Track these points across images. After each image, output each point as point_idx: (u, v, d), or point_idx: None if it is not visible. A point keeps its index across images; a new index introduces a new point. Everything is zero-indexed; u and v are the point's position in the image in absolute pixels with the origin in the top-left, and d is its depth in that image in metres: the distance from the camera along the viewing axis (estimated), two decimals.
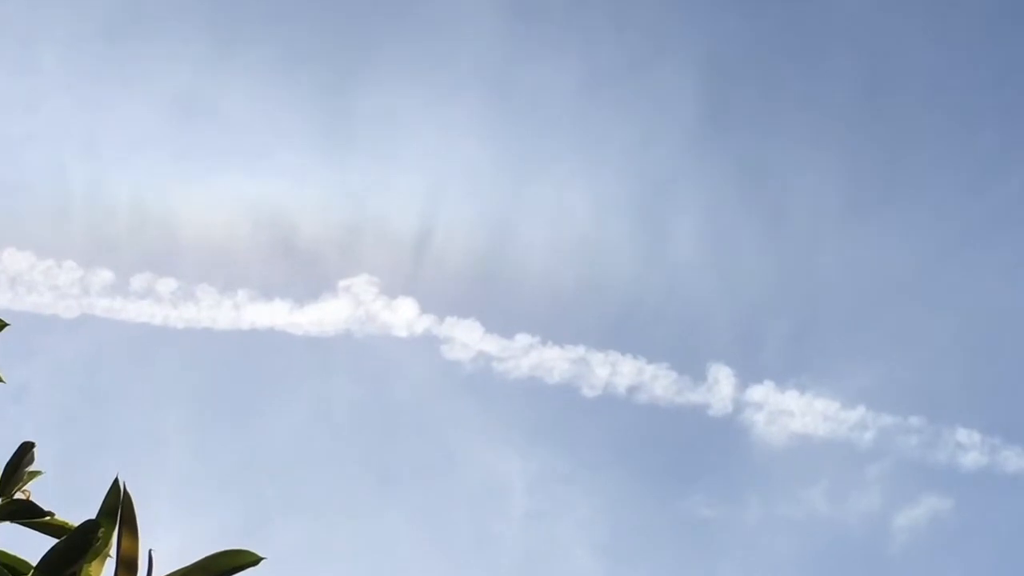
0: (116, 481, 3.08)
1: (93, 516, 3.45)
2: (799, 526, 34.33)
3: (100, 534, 2.97)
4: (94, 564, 3.04)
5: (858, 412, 34.83)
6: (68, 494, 3.70)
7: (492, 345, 34.54)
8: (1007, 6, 37.34)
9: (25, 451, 3.86)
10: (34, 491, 3.88)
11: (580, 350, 35.08)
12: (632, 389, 34.74)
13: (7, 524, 3.61)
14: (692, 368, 35.13)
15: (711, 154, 39.31)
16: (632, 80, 38.43)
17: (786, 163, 38.55)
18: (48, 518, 3.79)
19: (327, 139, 37.78)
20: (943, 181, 39.17)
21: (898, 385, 38.16)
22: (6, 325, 3.19)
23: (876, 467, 34.93)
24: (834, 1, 37.52)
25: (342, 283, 34.27)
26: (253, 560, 3.20)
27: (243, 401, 36.62)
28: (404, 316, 34.19)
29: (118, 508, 3.06)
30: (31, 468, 3.87)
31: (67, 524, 3.76)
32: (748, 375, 35.90)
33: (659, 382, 35.08)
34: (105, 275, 32.89)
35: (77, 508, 3.70)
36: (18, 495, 3.84)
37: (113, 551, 3.03)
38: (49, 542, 3.54)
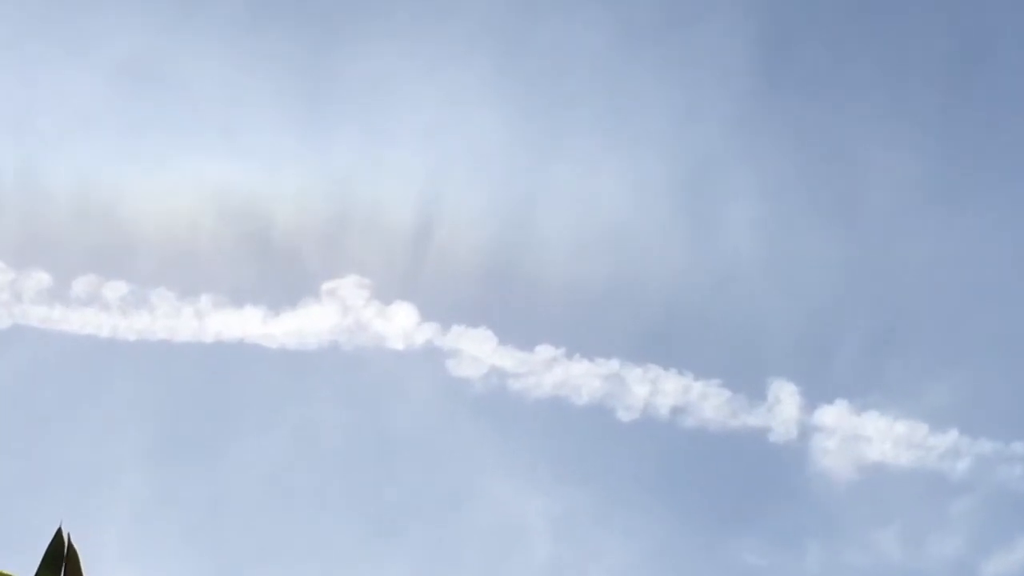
0: (59, 530, 3.52)
1: (29, 562, 3.86)
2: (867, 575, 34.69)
3: None
4: None
5: (949, 437, 35.16)
6: (2, 535, 4.17)
7: (507, 359, 35.11)
8: None
9: None
10: None
11: (613, 364, 35.63)
12: (676, 410, 35.26)
13: None
14: (749, 385, 35.60)
15: (768, 126, 39.55)
16: (673, 36, 38.76)
17: (860, 138, 38.78)
18: None
19: (306, 111, 38.21)
20: None
21: (997, 404, 38.42)
22: None
23: (968, 502, 35.28)
24: None
25: (326, 286, 34.83)
26: None
27: (208, 427, 37.09)
28: (401, 324, 34.76)
29: (62, 560, 3.51)
30: None
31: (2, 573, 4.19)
32: (816, 393, 36.31)
33: (709, 402, 35.62)
34: (41, 277, 33.46)
35: (9, 550, 4.13)
36: None
37: None
38: None
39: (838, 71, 39.58)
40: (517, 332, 35.79)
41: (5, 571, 4.05)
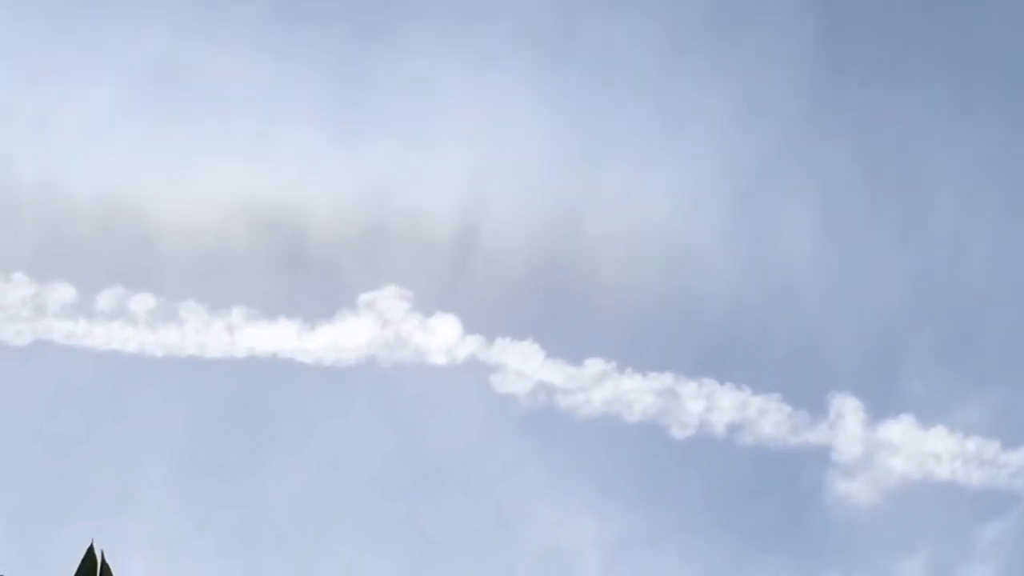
0: (91, 548, 3.65)
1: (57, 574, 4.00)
2: None
3: None
4: None
5: (1021, 454, 35.16)
6: (25, 554, 4.29)
7: (555, 373, 35.21)
8: None
9: None
10: None
11: (667, 379, 35.75)
12: (733, 427, 35.36)
13: None
14: (810, 400, 35.54)
15: (828, 127, 39.59)
16: (725, 33, 38.85)
17: (925, 138, 38.83)
18: None
19: (341, 114, 38.40)
20: None
21: None
22: None
23: None
24: None
25: (364, 297, 35.02)
26: None
27: (241, 446, 37.31)
28: (443, 338, 34.91)
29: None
30: None
31: None
32: (881, 408, 36.26)
33: (768, 418, 35.67)
34: (64, 291, 33.71)
35: (37, 571, 4.29)
36: None
37: None
38: None
39: (901, 67, 39.64)
40: (565, 345, 35.94)
41: None
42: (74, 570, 3.39)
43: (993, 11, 39.14)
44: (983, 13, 39.15)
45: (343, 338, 35.01)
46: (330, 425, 37.63)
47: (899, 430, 35.58)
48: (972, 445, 35.52)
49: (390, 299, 34.82)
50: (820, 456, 35.50)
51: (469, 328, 35.18)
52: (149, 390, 36.50)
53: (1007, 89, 39.14)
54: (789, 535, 37.51)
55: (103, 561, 3.29)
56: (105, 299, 34.19)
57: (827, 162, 40.06)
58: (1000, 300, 39.92)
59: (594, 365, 35.59)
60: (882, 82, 39.77)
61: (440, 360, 35.04)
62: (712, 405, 35.57)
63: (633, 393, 35.49)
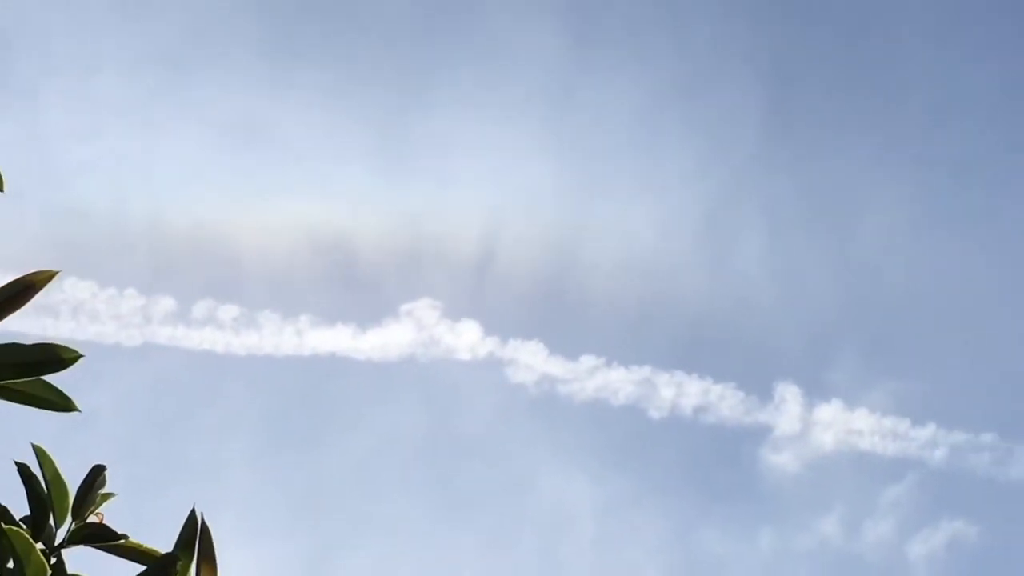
0: (193, 513, 3.04)
1: (162, 538, 3.48)
2: (851, 546, 34.07)
3: (179, 567, 2.94)
4: None
5: (928, 430, 34.51)
6: (138, 518, 3.71)
7: (557, 367, 34.58)
8: None
9: (97, 474, 3.88)
10: (106, 514, 3.91)
11: (645, 371, 35.08)
12: (698, 410, 34.69)
13: (81, 548, 3.64)
14: (759, 388, 34.99)
15: (774, 171, 39.24)
16: (693, 99, 38.50)
17: (853, 180, 38.43)
18: (122, 541, 3.81)
19: (386, 162, 38.01)
20: (1012, 199, 38.97)
21: (969, 402, 37.80)
22: (80, 356, 3.19)
23: (947, 484, 34.65)
24: (900, 19, 37.37)
25: (404, 307, 34.47)
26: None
27: (308, 427, 36.80)
28: (467, 339, 34.31)
29: (195, 540, 3.03)
30: (103, 491, 3.88)
31: (141, 546, 3.77)
32: (816, 394, 35.68)
33: (726, 402, 35.01)
34: (167, 303, 33.25)
35: (146, 531, 3.72)
36: (91, 518, 3.86)
37: None
38: (122, 565, 3.56)
39: (834, 124, 39.29)
40: (564, 344, 35.45)
41: (151, 547, 3.58)
42: (180, 529, 3.01)
43: (899, 82, 38.79)
44: (893, 84, 38.79)
45: (388, 340, 34.57)
46: (378, 409, 37.19)
47: (830, 411, 35.03)
48: (887, 423, 34.93)
49: (425, 308, 34.34)
50: (766, 433, 35.02)
51: (488, 331, 34.71)
52: (234, 382, 36.12)
53: (920, 137, 38.79)
54: (739, 496, 37.03)
55: (203, 522, 2.92)
56: (199, 309, 33.74)
57: (774, 197, 39.72)
58: (911, 307, 39.46)
59: (587, 360, 35.05)
60: (819, 134, 39.47)
61: (465, 357, 34.56)
62: (681, 392, 35.00)
63: (618, 382, 34.91)
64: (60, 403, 3.47)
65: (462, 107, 38.67)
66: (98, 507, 3.87)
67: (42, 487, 3.79)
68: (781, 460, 36.26)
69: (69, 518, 3.84)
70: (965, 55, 38.94)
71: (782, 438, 35.94)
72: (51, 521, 3.79)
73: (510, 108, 38.72)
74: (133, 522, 3.84)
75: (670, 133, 39.21)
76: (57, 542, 3.82)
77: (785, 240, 40.13)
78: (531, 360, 35.38)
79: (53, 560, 3.58)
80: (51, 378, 3.44)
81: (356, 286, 37.88)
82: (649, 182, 39.93)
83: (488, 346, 35.41)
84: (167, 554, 3.19)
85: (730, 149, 39.51)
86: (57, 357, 3.39)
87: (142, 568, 3.24)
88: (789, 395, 36.10)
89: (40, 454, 3.82)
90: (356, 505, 36.54)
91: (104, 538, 3.81)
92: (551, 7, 38.55)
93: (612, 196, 39.66)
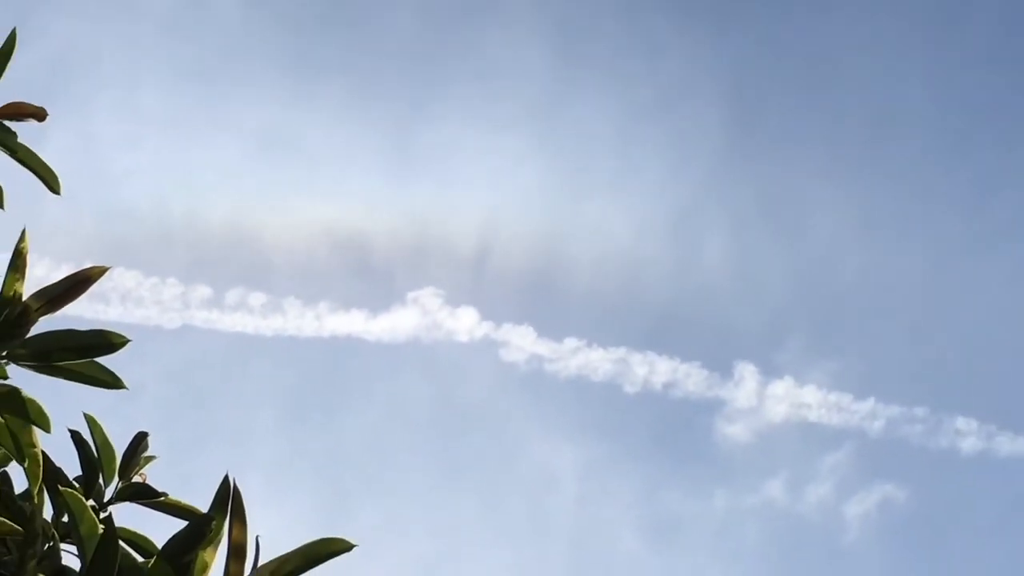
0: (227, 477, 3.09)
1: (198, 497, 3.51)
2: (802, 503, 34.20)
3: (213, 525, 2.98)
4: (208, 551, 3.07)
5: (868, 404, 34.61)
6: (177, 478, 3.74)
7: (544, 348, 34.59)
8: (997, 51, 37.37)
9: (140, 440, 3.90)
10: (148, 475, 3.92)
11: (621, 351, 35.10)
12: (667, 385, 34.72)
13: (127, 504, 3.67)
14: (721, 366, 35.06)
15: (736, 179, 39.41)
16: (664, 115, 38.65)
17: (804, 187, 38.63)
18: (162, 498, 3.83)
19: (395, 167, 38.04)
20: (942, 202, 39.16)
21: (904, 379, 37.93)
22: (128, 341, 3.21)
23: (882, 452, 34.80)
24: (842, 48, 37.60)
25: (410, 295, 34.44)
26: (346, 547, 3.20)
27: (326, 400, 36.87)
28: (465, 323, 34.31)
29: (228, 500, 3.07)
30: (146, 455, 3.91)
31: (179, 503, 3.80)
32: (771, 372, 35.76)
33: (691, 379, 35.02)
34: (203, 290, 33.21)
35: (184, 490, 3.75)
36: (135, 478, 3.88)
37: (224, 539, 3.03)
38: (163, 519, 3.59)
39: (787, 138, 39.44)
40: (551, 328, 35.47)
41: (188, 504, 3.60)
42: (214, 489, 3.02)
43: (850, 96, 38.96)
44: (842, 98, 38.98)
45: (396, 324, 34.58)
46: (387, 384, 37.23)
47: (782, 387, 35.07)
48: (832, 397, 34.94)
49: (429, 296, 34.34)
50: (726, 406, 35.06)
51: (484, 316, 34.71)
52: (262, 360, 36.14)
53: (860, 150, 38.95)
54: (700, 461, 37.11)
55: (234, 485, 2.92)
56: (231, 296, 33.73)
57: (734, 201, 39.84)
58: (854, 296, 39.61)
59: (570, 342, 35.04)
60: (774, 147, 39.60)
61: (463, 339, 34.56)
62: (653, 370, 35.00)
63: (598, 361, 34.91)
64: (110, 382, 3.49)
65: (462, 119, 38.73)
66: (141, 468, 3.90)
67: (92, 452, 3.81)
68: (737, 430, 36.36)
69: (116, 478, 3.87)
70: (899, 77, 39.12)
71: (740, 411, 36.03)
72: (100, 481, 3.82)
73: (504, 121, 38.78)
74: (172, 482, 3.88)
75: (644, 144, 39.35)
76: (105, 499, 3.84)
77: (744, 238, 40.29)
78: (521, 342, 35.48)
79: (102, 515, 3.60)
80: (102, 360, 3.46)
81: (368, 276, 37.94)
82: (625, 187, 40.06)
83: (484, 329, 35.49)
84: (204, 515, 3.21)
85: (696, 159, 39.65)
86: (108, 342, 3.42)
87: (181, 523, 3.26)
88: (747, 373, 36.19)
89: (91, 423, 3.84)
90: (368, 467, 36.63)
91: (147, 496, 3.83)
92: (541, 33, 38.61)
93: (593, 199, 39.76)
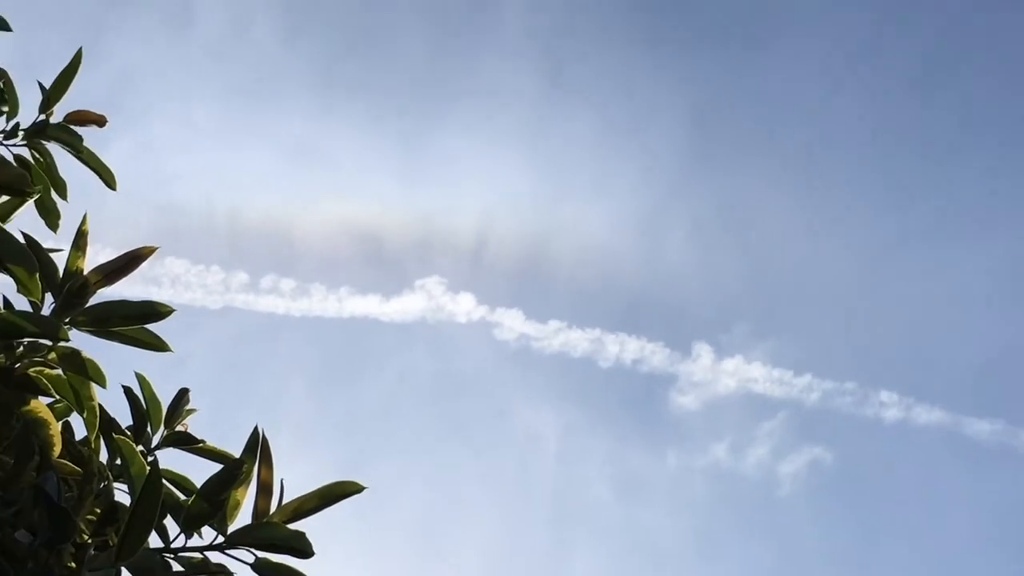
0: (256, 428, 3.09)
1: (233, 447, 3.50)
2: (752, 464, 34.31)
3: (244, 468, 2.98)
4: (240, 490, 3.06)
5: (805, 379, 34.66)
6: (216, 433, 3.75)
7: (531, 329, 34.56)
8: (922, 76, 37.47)
9: (182, 395, 3.91)
10: (189, 425, 3.93)
11: (597, 332, 35.06)
12: (636, 362, 34.71)
13: (170, 449, 3.68)
14: (681, 346, 35.08)
15: (695, 187, 39.48)
16: (635, 133, 38.70)
17: (752, 194, 38.76)
18: (201, 445, 3.84)
19: (406, 172, 38.03)
20: (869, 208, 39.32)
21: (837, 357, 38.03)
22: (173, 311, 3.20)
23: (815, 420, 34.92)
24: (788, 77, 37.73)
25: (418, 282, 34.38)
26: (357, 489, 3.19)
27: (345, 371, 36.88)
28: (464, 307, 34.25)
29: (257, 447, 3.07)
30: (187, 407, 3.92)
31: (216, 449, 3.81)
32: (723, 351, 35.80)
33: (656, 356, 35.00)
34: (242, 276, 33.11)
35: (222, 441, 3.76)
36: (178, 428, 3.89)
37: (254, 480, 3.03)
38: (200, 463, 3.60)
39: (742, 151, 39.51)
40: (537, 312, 35.48)
41: (223, 449, 3.61)
42: (246, 440, 3.02)
43: (793, 117, 39.06)
44: (786, 118, 39.06)
45: (407, 306, 34.58)
46: (397, 359, 37.21)
47: (733, 364, 35.04)
48: (775, 373, 34.92)
49: (434, 283, 34.32)
50: (685, 380, 35.09)
51: (480, 301, 34.70)
52: (291, 337, 36.10)
53: (804, 161, 39.08)
54: (661, 427, 37.16)
55: (263, 434, 2.92)
56: (265, 281, 33.68)
57: (695, 204, 39.90)
58: (796, 286, 39.68)
59: (554, 324, 35.03)
60: (730, 159, 39.69)
61: (463, 320, 34.55)
62: (623, 348, 34.98)
63: (576, 340, 34.88)
64: (158, 345, 3.48)
65: (463, 133, 38.72)
66: (183, 420, 3.89)
67: (142, 405, 3.80)
68: (691, 400, 36.35)
69: (162, 428, 3.86)
70: (833, 102, 39.19)
71: (696, 384, 36.04)
72: (148, 430, 3.81)
73: (499, 134, 38.79)
74: (212, 435, 3.88)
75: (617, 156, 39.45)
76: (152, 446, 3.84)
77: (701, 237, 40.34)
78: (512, 323, 35.48)
79: (149, 459, 3.60)
80: (150, 327, 3.45)
81: (382, 265, 37.93)
82: (601, 192, 40.15)
83: (480, 312, 35.47)
84: (236, 459, 3.21)
85: (661, 169, 39.73)
86: (156, 311, 3.41)
87: (216, 466, 3.26)
88: (703, 351, 36.20)
89: (141, 380, 3.83)
90: (380, 429, 36.64)
91: (187, 443, 3.83)
92: (532, 61, 38.64)
93: (574, 201, 39.79)
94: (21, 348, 3.27)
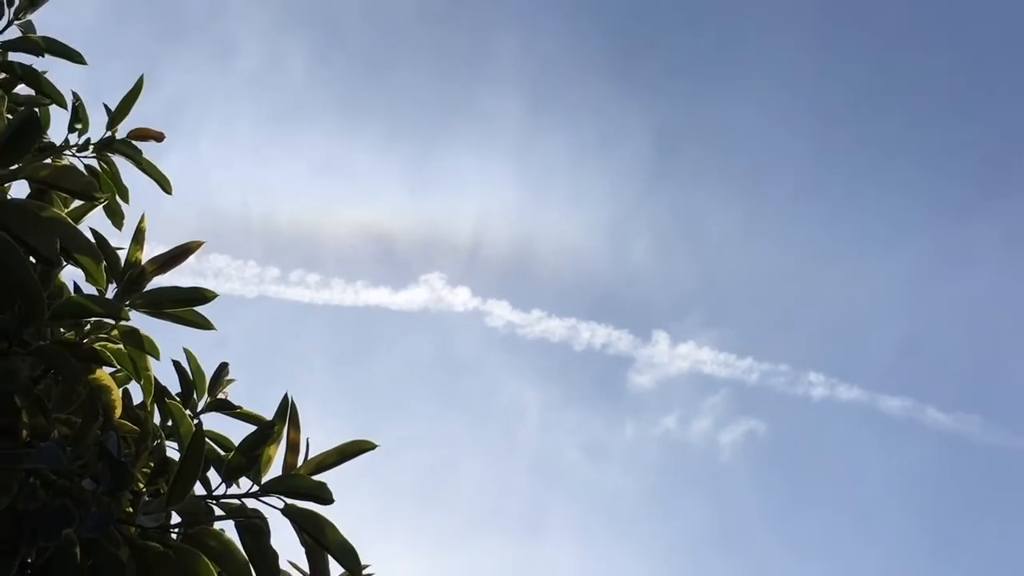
0: (286, 395, 3.16)
1: (266, 412, 3.58)
2: (704, 437, 34.49)
3: (275, 429, 3.06)
4: (271, 447, 3.16)
5: (747, 361, 34.83)
6: (253, 402, 3.82)
7: (516, 317, 34.62)
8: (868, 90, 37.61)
9: (223, 368, 3.97)
10: (229, 393, 3.99)
11: (572, 321, 35.15)
12: (604, 346, 34.83)
13: (213, 414, 3.74)
14: (642, 333, 35.26)
15: (657, 196, 39.67)
16: (606, 151, 38.92)
17: (705, 204, 39.10)
18: (238, 410, 3.90)
19: (414, 184, 38.04)
20: (807, 216, 39.61)
21: (774, 343, 38.26)
22: (216, 295, 3.28)
23: (753, 397, 35.12)
24: (739, 101, 37.91)
25: (423, 277, 34.35)
26: (371, 447, 3.27)
27: (359, 354, 36.91)
28: (461, 299, 34.25)
29: (287, 412, 3.15)
30: (227, 378, 3.98)
31: (251, 413, 3.86)
32: (678, 337, 35.97)
33: (622, 342, 35.12)
34: (274, 270, 33.07)
35: (257, 408, 3.82)
36: (220, 395, 3.96)
37: (283, 439, 3.11)
38: (238, 425, 3.66)
39: (700, 165, 39.57)
40: (522, 302, 35.48)
41: (258, 414, 3.69)
42: (277, 406, 3.08)
43: (744, 131, 39.23)
44: (738, 135, 39.23)
45: (413, 298, 34.59)
46: (404, 343, 37.20)
47: (686, 349, 35.04)
48: (721, 356, 34.89)
49: (435, 278, 34.32)
50: (644, 362, 35.19)
51: (475, 293, 34.69)
52: (314, 323, 36.07)
53: (752, 171, 39.26)
54: (623, 402, 37.25)
55: (291, 401, 2.98)
56: (294, 275, 33.65)
57: (658, 210, 39.96)
58: (742, 280, 39.79)
59: (536, 313, 35.01)
60: (687, 172, 39.77)
61: (460, 310, 34.54)
62: (594, 335, 34.99)
63: (555, 328, 34.89)
64: (203, 324, 3.56)
65: (463, 150, 38.80)
66: (224, 388, 3.97)
67: (189, 375, 3.88)
68: (649, 379, 36.43)
69: (206, 395, 3.94)
70: (777, 124, 39.34)
71: (653, 365, 36.16)
72: (194, 396, 3.90)
73: (493, 152, 38.88)
74: (248, 403, 3.96)
75: (591, 170, 39.56)
76: (198, 410, 3.92)
77: (662, 240, 40.45)
78: (500, 312, 35.48)
79: (195, 421, 3.68)
80: (198, 309, 3.53)
81: (392, 262, 37.93)
82: (578, 201, 40.23)
83: (474, 303, 35.45)
84: (269, 421, 3.29)
85: (628, 181, 39.85)
86: (202, 295, 3.49)
87: (251, 427, 3.34)
88: (661, 338, 36.28)
89: (188, 355, 3.91)
90: (387, 404, 36.65)
91: (227, 408, 3.90)
92: (521, 90, 38.73)
93: (555, 208, 39.85)
94: (88, 326, 3.36)
